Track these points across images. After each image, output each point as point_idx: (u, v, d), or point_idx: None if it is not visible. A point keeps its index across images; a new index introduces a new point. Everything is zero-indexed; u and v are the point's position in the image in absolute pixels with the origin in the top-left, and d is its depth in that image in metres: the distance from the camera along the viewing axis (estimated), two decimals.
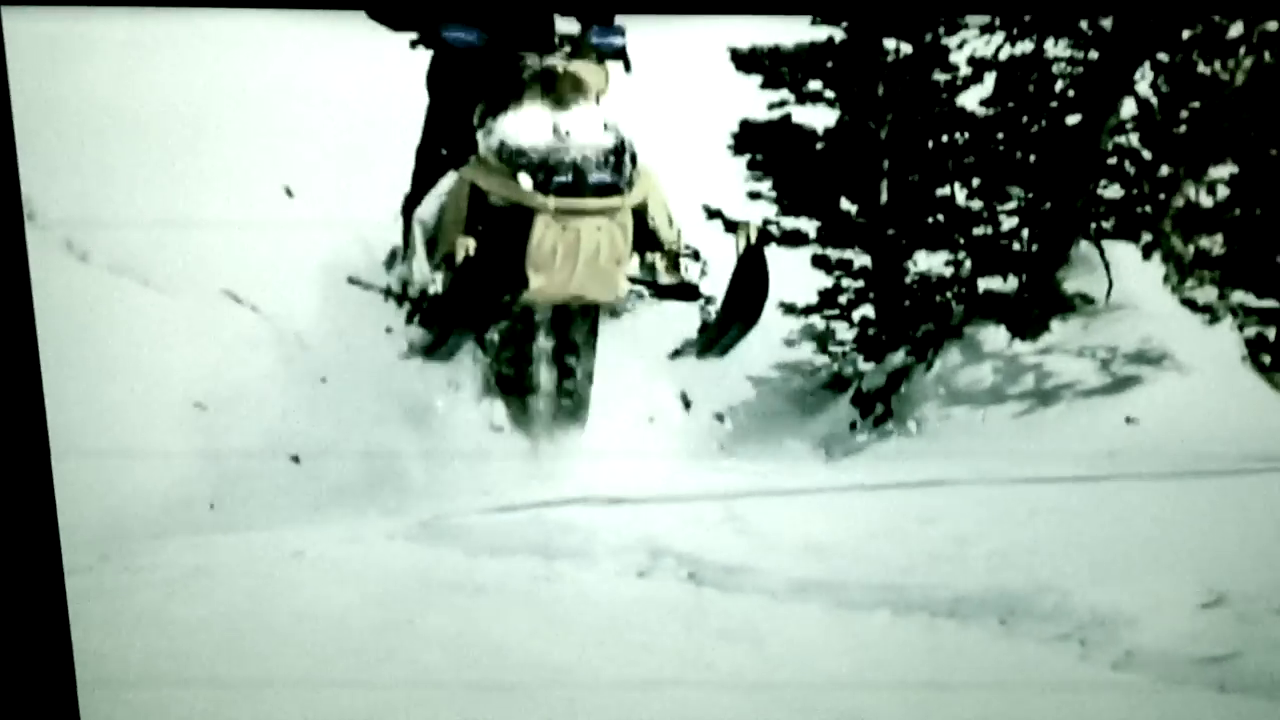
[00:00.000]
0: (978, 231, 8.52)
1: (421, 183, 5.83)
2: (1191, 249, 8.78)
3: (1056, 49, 8.65)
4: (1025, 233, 8.66)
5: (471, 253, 5.21)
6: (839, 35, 8.48)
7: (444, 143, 5.78)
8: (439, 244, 5.50)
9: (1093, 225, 8.51)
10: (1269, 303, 9.01)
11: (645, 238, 5.57)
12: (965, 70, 8.52)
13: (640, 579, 3.78)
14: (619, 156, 5.40)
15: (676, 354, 5.78)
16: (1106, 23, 8.61)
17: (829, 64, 8.33)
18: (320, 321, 6.38)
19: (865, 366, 8.37)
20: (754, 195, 8.72)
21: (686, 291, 5.60)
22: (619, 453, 5.71)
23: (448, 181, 5.59)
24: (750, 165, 8.72)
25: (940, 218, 7.48)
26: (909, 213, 8.05)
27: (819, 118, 8.60)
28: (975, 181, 8.58)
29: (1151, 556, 3.62)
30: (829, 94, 8.51)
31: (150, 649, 3.40)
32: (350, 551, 4.23)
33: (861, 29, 8.15)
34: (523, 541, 4.05)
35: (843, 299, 8.54)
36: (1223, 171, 8.84)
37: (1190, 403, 7.68)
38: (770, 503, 4.39)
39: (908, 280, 8.53)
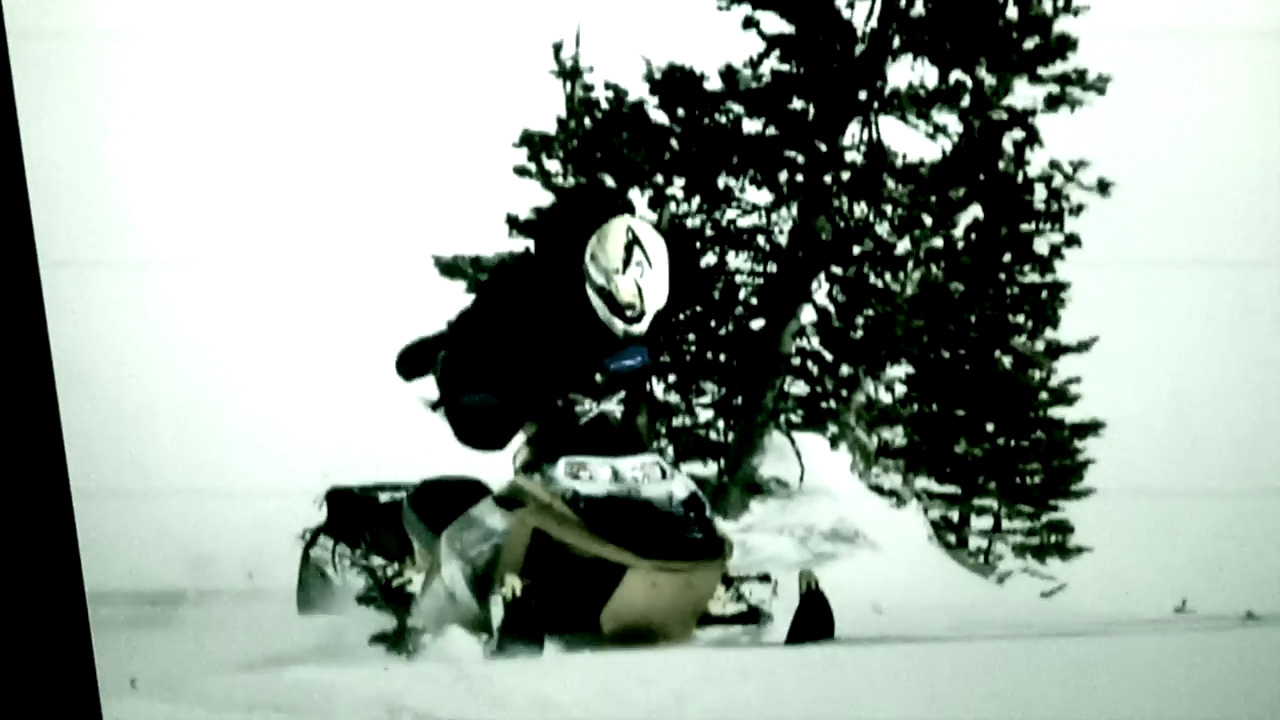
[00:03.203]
0: (677, 422, 9.04)
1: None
2: (875, 440, 9.41)
3: (737, 261, 9.33)
4: (721, 424, 9.24)
5: (519, 594, 4.83)
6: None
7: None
8: (494, 583, 5.06)
9: (782, 418, 9.12)
10: (950, 488, 9.68)
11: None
12: None
13: None
14: (700, 510, 5.13)
15: None
16: (782, 239, 9.29)
17: None
18: None
19: None
20: None
21: (751, 617, 5.30)
22: None
23: (499, 520, 5.22)
24: None
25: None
26: None
27: None
28: (671, 377, 9.14)
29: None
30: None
31: None
32: None
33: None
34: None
35: None
36: (899, 371, 9.54)
37: (884, 578, 8.19)
38: (502, 665, 4.62)
39: None
